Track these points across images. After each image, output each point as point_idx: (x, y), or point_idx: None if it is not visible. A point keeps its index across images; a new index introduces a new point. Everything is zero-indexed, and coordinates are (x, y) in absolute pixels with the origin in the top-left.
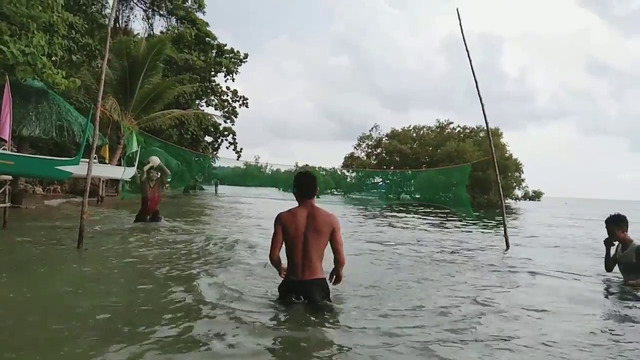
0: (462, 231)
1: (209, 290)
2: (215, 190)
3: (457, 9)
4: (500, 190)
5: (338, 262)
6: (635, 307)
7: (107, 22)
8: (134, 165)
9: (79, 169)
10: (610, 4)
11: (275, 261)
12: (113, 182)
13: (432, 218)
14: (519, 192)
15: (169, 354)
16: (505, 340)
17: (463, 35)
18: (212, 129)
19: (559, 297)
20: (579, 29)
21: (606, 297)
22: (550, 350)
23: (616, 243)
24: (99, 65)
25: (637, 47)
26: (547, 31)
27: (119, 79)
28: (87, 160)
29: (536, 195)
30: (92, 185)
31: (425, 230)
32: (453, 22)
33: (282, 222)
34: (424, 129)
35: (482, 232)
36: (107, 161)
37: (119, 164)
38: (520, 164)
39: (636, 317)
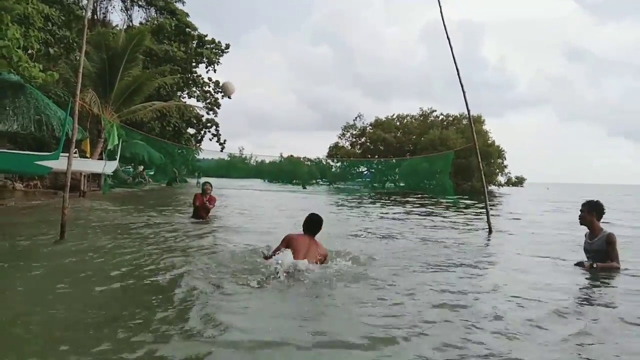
0: (446, 217)
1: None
2: (197, 183)
3: None
4: (483, 176)
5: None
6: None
7: (84, 14)
8: (115, 159)
9: (59, 164)
10: None
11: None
12: (95, 177)
13: (416, 206)
14: (501, 179)
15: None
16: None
17: (444, 22)
18: (195, 121)
19: (529, 276)
20: (556, 16)
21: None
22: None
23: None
24: (77, 57)
25: (613, 32)
26: (526, 18)
27: (98, 71)
28: (67, 154)
29: (519, 181)
30: (74, 180)
31: (410, 217)
32: (433, 10)
33: (288, 239)
34: (408, 118)
35: (467, 217)
36: (88, 155)
37: (101, 158)
38: (503, 151)
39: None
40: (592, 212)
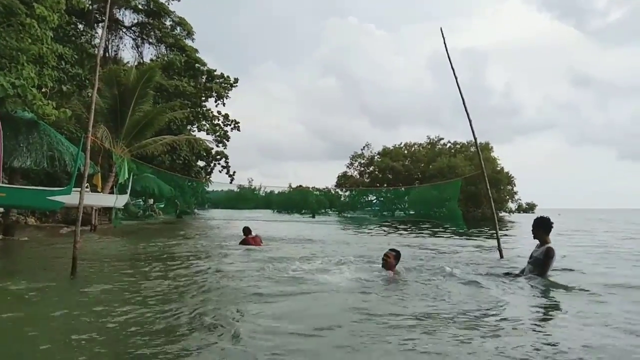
0: (456, 243)
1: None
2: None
3: (440, 29)
4: (492, 203)
5: None
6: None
7: (96, 52)
8: (126, 193)
9: (71, 199)
10: (585, 19)
11: None
12: (106, 210)
13: (427, 233)
14: (512, 205)
15: None
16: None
17: (448, 53)
18: (205, 154)
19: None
20: (559, 42)
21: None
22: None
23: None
24: (90, 94)
25: (617, 58)
26: (529, 45)
27: (109, 107)
28: (79, 189)
29: (530, 208)
30: (85, 214)
31: (424, 243)
32: (438, 40)
33: None
34: (415, 146)
35: (477, 243)
36: (99, 190)
37: (112, 192)
38: (512, 177)
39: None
40: (539, 228)
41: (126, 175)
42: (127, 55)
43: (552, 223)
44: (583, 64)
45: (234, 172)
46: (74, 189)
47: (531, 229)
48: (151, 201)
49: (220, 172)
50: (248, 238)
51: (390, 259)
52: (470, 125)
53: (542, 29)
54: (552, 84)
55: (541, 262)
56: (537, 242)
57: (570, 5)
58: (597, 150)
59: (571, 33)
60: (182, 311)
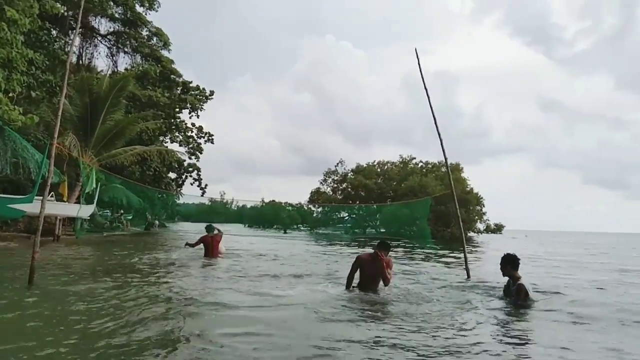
0: (424, 262)
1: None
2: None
3: (415, 49)
4: (461, 222)
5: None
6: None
7: (67, 58)
8: (93, 203)
9: (32, 207)
10: (553, 47)
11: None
12: (71, 221)
13: (396, 250)
14: (480, 226)
15: None
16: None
17: (421, 72)
18: (176, 165)
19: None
20: (529, 68)
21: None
22: None
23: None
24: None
25: (583, 86)
26: (500, 70)
27: (79, 115)
28: (42, 197)
29: (498, 228)
30: (48, 224)
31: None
32: (412, 61)
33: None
34: (388, 164)
35: (446, 262)
36: (65, 199)
37: (78, 202)
38: (481, 198)
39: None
40: (506, 265)
41: (93, 185)
42: (102, 63)
43: (519, 259)
44: (551, 90)
45: (206, 185)
46: (36, 197)
47: (499, 266)
48: (121, 212)
49: (191, 184)
50: (207, 236)
51: (382, 256)
52: (442, 145)
53: (513, 54)
54: (521, 109)
55: (516, 300)
56: None
57: (540, 33)
58: (563, 174)
59: (540, 60)
60: (136, 324)
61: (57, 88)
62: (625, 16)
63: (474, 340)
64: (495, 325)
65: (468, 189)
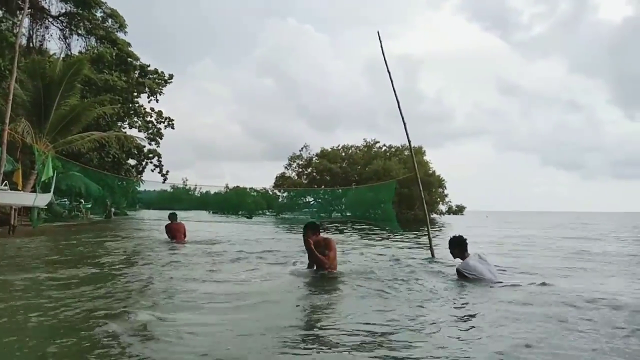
0: (390, 245)
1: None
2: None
3: (377, 32)
4: (424, 204)
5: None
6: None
7: (15, 40)
8: (49, 192)
9: None
10: (510, 31)
11: None
12: (27, 210)
13: (362, 233)
14: (443, 207)
15: None
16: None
17: (384, 56)
18: (136, 152)
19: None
20: (488, 52)
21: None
22: None
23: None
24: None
25: (540, 69)
26: (460, 54)
27: (32, 100)
28: None
29: (459, 210)
30: (3, 214)
31: (357, 245)
32: (374, 45)
33: None
34: (352, 148)
35: (410, 244)
36: (20, 188)
37: (34, 191)
38: (443, 180)
39: None
40: (454, 247)
41: (50, 173)
42: (54, 46)
43: (466, 240)
44: (510, 74)
45: (167, 172)
46: None
47: (448, 249)
48: (81, 201)
49: (152, 171)
50: (172, 224)
51: (308, 237)
52: (405, 128)
53: (473, 38)
54: (482, 92)
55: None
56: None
57: (498, 17)
58: (522, 156)
59: (499, 44)
60: (88, 317)
61: (7, 72)
62: (579, 1)
63: (435, 317)
64: (447, 300)
65: (430, 171)
